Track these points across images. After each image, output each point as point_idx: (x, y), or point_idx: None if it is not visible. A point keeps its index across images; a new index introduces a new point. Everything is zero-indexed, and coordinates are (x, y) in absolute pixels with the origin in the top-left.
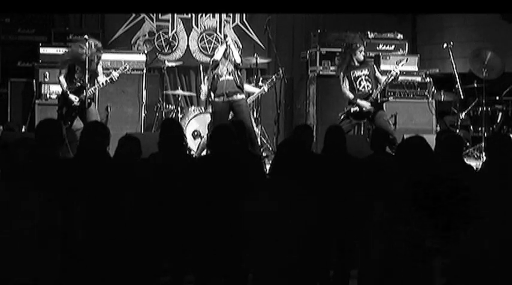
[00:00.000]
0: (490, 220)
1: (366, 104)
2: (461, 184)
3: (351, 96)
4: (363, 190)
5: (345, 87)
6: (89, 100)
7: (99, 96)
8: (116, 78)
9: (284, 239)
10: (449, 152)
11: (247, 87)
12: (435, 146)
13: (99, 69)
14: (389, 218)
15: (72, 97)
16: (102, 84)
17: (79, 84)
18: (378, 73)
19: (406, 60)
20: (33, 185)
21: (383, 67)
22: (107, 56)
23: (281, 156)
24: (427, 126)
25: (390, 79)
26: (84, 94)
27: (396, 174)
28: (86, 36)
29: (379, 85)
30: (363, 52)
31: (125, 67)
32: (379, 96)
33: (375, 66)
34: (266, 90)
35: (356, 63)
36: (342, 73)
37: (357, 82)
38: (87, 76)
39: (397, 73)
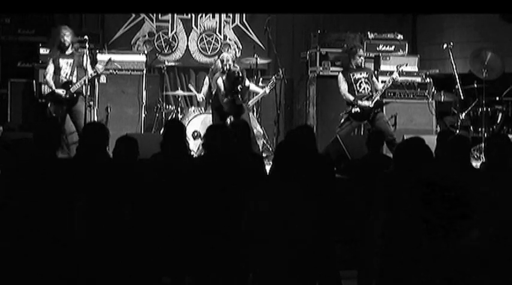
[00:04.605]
0: (490, 219)
1: (367, 104)
2: (462, 184)
3: (351, 97)
4: (359, 191)
5: (344, 89)
6: (75, 95)
7: (99, 96)
8: (101, 71)
9: (284, 240)
10: (456, 154)
11: (252, 86)
12: (436, 147)
13: (87, 64)
14: (388, 219)
15: (60, 90)
16: (89, 76)
17: (65, 79)
18: (374, 79)
19: (406, 65)
20: (33, 185)
21: (383, 67)
22: (107, 56)
23: (280, 157)
24: (427, 126)
25: (389, 85)
26: (71, 88)
27: (394, 175)
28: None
29: (378, 91)
30: (362, 57)
31: (110, 60)
32: (379, 98)
33: (374, 73)
34: (267, 92)
35: (354, 67)
36: (340, 75)
37: (357, 84)
38: (73, 66)
39: (394, 80)
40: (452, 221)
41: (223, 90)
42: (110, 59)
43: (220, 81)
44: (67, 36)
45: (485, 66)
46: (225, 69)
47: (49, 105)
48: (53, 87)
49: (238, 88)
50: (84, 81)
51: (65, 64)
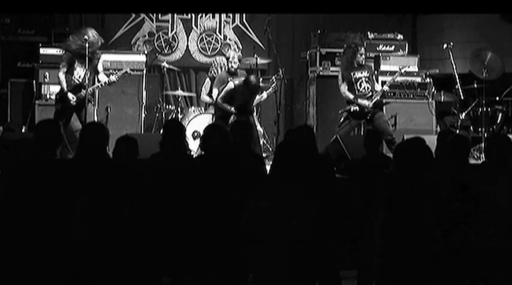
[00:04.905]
0: (490, 219)
1: (366, 103)
2: (466, 184)
3: (351, 96)
4: (359, 191)
5: (344, 87)
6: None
7: (99, 96)
8: (114, 81)
9: (284, 239)
10: (456, 154)
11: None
12: (436, 147)
13: (100, 67)
14: (388, 219)
15: (70, 96)
16: (101, 85)
17: (77, 82)
18: (375, 78)
19: (409, 66)
20: (33, 185)
21: (383, 67)
22: (107, 57)
23: (280, 157)
24: (427, 126)
25: (386, 89)
26: (82, 92)
27: (394, 175)
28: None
29: (378, 91)
30: (363, 56)
31: (126, 72)
32: (378, 99)
33: (374, 73)
34: (271, 92)
35: (355, 65)
36: (341, 74)
37: (358, 84)
38: (87, 73)
39: (388, 85)
40: (454, 221)
41: (232, 94)
42: (126, 71)
43: (231, 85)
44: (98, 43)
45: (485, 66)
46: (230, 66)
47: (56, 104)
48: (65, 88)
49: (254, 99)
50: (97, 87)
51: (80, 65)
